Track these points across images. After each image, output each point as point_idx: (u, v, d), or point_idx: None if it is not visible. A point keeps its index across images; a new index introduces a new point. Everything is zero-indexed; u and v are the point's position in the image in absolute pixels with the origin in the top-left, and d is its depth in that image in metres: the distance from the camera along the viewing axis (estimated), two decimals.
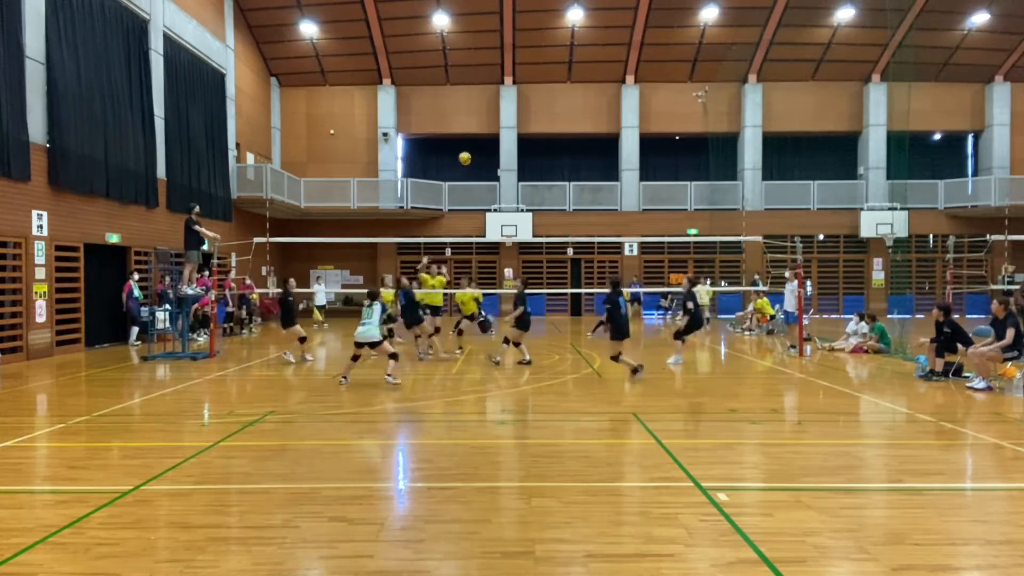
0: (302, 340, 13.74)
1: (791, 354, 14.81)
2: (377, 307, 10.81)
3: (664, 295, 27.20)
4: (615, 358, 11.46)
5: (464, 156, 15.23)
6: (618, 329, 11.40)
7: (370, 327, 10.61)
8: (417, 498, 5.45)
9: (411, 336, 14.60)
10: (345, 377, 10.87)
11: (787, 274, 16.48)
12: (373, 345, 10.67)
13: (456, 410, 8.95)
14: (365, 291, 11.42)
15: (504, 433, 7.79)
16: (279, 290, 24.78)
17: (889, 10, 24.63)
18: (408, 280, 15.02)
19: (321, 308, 23.79)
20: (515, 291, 14.24)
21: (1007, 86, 28.22)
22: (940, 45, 26.87)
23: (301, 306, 27.41)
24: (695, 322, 13.58)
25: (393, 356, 10.74)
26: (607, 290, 12.07)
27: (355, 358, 10.94)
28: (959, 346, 11.21)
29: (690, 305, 13.53)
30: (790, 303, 17.37)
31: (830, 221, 28.06)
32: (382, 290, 17.79)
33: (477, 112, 28.69)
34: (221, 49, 22.81)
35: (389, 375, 10.70)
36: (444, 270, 18.48)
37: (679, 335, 13.54)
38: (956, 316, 11.75)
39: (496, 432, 7.87)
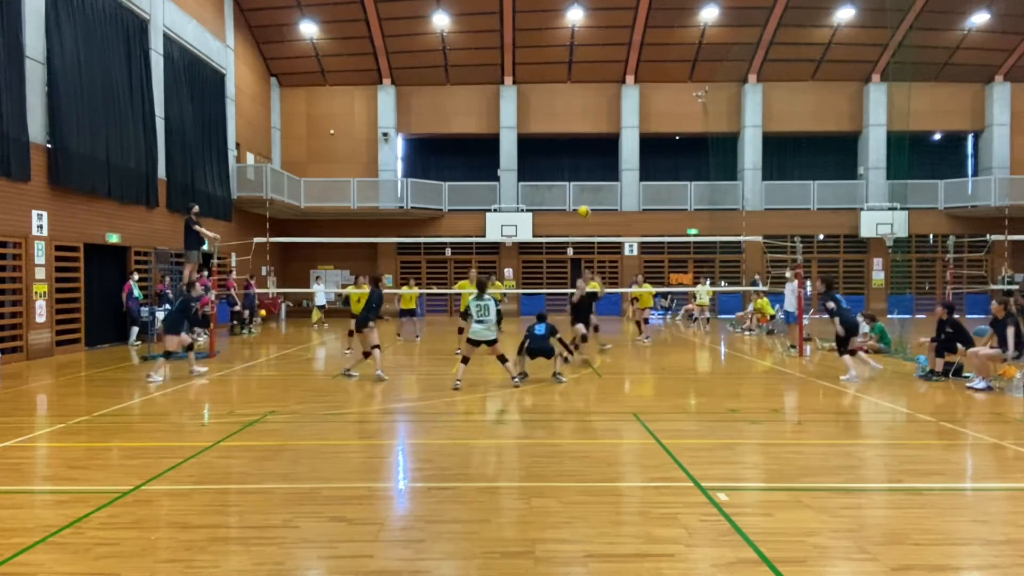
0: (167, 356, 11.43)
1: (791, 354, 14.80)
2: (491, 302, 10.39)
3: (664, 295, 27.19)
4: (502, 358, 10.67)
5: (583, 209, 15.24)
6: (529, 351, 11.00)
7: (488, 324, 10.31)
8: (417, 498, 5.45)
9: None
10: (459, 381, 10.31)
11: (787, 274, 16.35)
12: (491, 343, 10.36)
13: (456, 410, 8.94)
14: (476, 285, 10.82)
15: (504, 433, 7.79)
16: (305, 290, 25.01)
17: (889, 10, 24.60)
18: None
19: (321, 308, 23.80)
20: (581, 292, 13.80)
21: (1007, 86, 28.22)
22: (940, 45, 26.85)
23: (303, 304, 27.39)
24: (850, 326, 11.28)
25: (502, 359, 10.44)
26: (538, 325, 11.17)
27: (466, 360, 10.55)
28: (959, 346, 11.17)
29: (831, 304, 11.19)
30: (791, 303, 17.31)
31: (830, 221, 28.05)
32: (354, 290, 17.39)
33: (477, 112, 28.68)
34: (221, 49, 22.81)
35: (514, 378, 10.50)
36: (595, 276, 17.97)
37: (844, 346, 11.19)
38: (956, 316, 11.72)
39: (496, 432, 7.87)
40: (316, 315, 23.73)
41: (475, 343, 10.46)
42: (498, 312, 10.63)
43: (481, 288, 10.55)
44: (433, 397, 9.84)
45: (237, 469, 6.14)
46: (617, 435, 7.63)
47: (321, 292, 23.82)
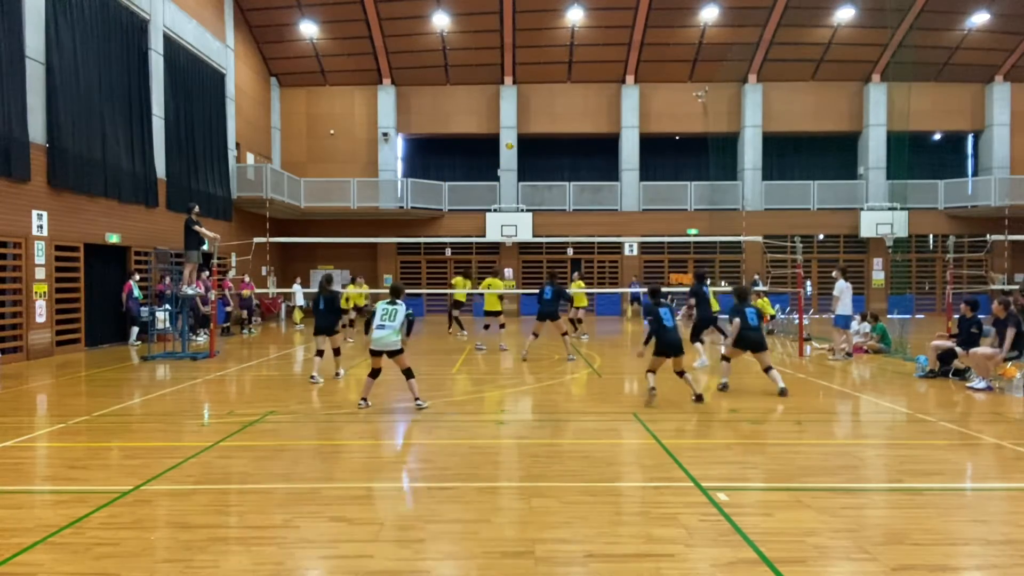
0: (336, 352, 11.89)
1: (841, 359, 13.81)
2: (401, 307, 8.84)
3: (664, 295, 27.16)
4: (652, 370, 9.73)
5: None
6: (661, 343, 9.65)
7: (390, 332, 8.66)
8: (417, 498, 5.45)
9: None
10: (365, 399, 8.94)
11: (834, 274, 14.97)
12: (392, 355, 8.77)
13: (456, 410, 8.94)
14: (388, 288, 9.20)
15: (504, 433, 7.79)
16: (283, 290, 24.98)
17: (889, 10, 24.62)
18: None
19: (301, 308, 23.87)
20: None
21: (1007, 86, 28.22)
22: (940, 45, 26.87)
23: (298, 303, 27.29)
24: (705, 321, 12.93)
25: (408, 373, 8.83)
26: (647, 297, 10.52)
27: (375, 374, 8.94)
28: (958, 349, 11.07)
29: (691, 300, 12.93)
30: (846, 306, 14.26)
31: (830, 221, 28.06)
32: (353, 288, 17.74)
33: (477, 112, 28.69)
34: (221, 49, 22.81)
35: (418, 399, 8.84)
36: None
37: (697, 335, 12.83)
38: (955, 316, 11.69)
39: (496, 432, 7.87)
40: (299, 315, 23.83)
41: (376, 353, 8.78)
42: (409, 321, 9.13)
43: (394, 293, 9.09)
44: (433, 397, 9.83)
45: (237, 469, 6.14)
46: (617, 435, 7.63)
47: (299, 291, 23.72)
